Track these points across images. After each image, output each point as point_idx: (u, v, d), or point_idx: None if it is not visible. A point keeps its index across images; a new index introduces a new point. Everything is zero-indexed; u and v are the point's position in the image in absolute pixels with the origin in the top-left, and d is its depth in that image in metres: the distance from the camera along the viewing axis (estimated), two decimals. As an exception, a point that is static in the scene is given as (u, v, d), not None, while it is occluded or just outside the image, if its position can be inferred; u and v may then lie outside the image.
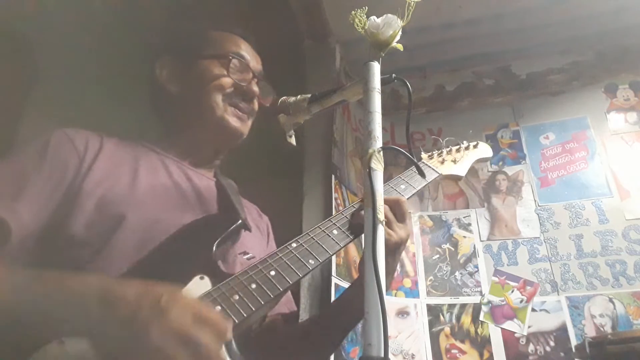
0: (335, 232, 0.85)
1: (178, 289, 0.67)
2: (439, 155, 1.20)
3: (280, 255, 0.79)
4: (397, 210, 0.91)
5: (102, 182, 0.85)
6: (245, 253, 0.96)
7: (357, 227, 0.87)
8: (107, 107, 2.43)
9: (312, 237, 0.83)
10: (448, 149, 1.22)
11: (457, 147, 1.23)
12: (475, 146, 1.26)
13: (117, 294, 0.61)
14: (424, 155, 1.19)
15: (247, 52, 1.09)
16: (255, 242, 1.03)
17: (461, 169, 1.18)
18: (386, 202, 0.89)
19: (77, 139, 0.89)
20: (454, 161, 1.18)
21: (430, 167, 1.12)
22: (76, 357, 0.56)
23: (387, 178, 0.81)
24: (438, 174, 1.11)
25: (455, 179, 1.17)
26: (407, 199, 0.99)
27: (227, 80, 1.02)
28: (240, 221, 0.88)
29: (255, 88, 1.07)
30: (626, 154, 2.34)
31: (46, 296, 0.62)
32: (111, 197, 0.84)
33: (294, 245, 0.81)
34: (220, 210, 0.97)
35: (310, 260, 0.79)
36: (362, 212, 0.87)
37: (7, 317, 0.60)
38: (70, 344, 0.57)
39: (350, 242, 0.87)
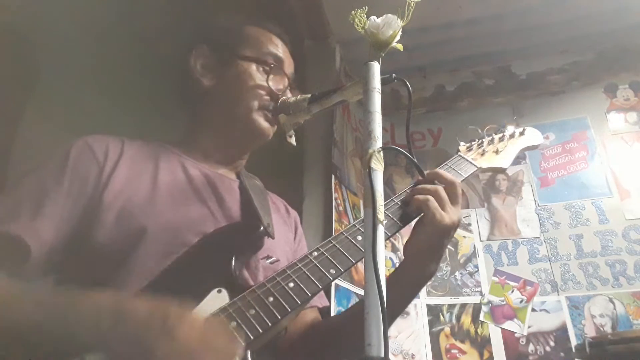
0: (359, 237, 0.81)
1: (188, 308, 0.67)
2: (479, 146, 1.09)
3: (300, 265, 0.76)
4: (451, 191, 0.87)
5: (122, 192, 0.84)
6: (268, 257, 0.93)
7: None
8: (107, 107, 2.43)
9: (334, 245, 0.79)
10: (490, 138, 1.11)
11: (500, 135, 1.12)
12: (521, 133, 1.14)
13: (128, 311, 0.62)
14: (461, 147, 1.09)
15: (283, 54, 1.07)
16: (280, 244, 1.00)
17: (504, 160, 1.07)
18: (442, 180, 0.88)
19: (97, 148, 0.88)
20: (496, 152, 1.08)
21: (467, 160, 1.03)
22: None
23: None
24: (476, 168, 1.02)
25: (497, 171, 1.07)
26: None
27: (265, 87, 1.01)
28: (261, 229, 0.86)
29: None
30: (626, 154, 2.34)
31: (65, 313, 0.64)
32: (131, 209, 0.83)
33: (315, 254, 0.78)
34: (243, 215, 0.95)
35: (331, 270, 0.75)
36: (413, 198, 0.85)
37: (32, 332, 0.62)
38: (90, 359, 0.59)
39: None
